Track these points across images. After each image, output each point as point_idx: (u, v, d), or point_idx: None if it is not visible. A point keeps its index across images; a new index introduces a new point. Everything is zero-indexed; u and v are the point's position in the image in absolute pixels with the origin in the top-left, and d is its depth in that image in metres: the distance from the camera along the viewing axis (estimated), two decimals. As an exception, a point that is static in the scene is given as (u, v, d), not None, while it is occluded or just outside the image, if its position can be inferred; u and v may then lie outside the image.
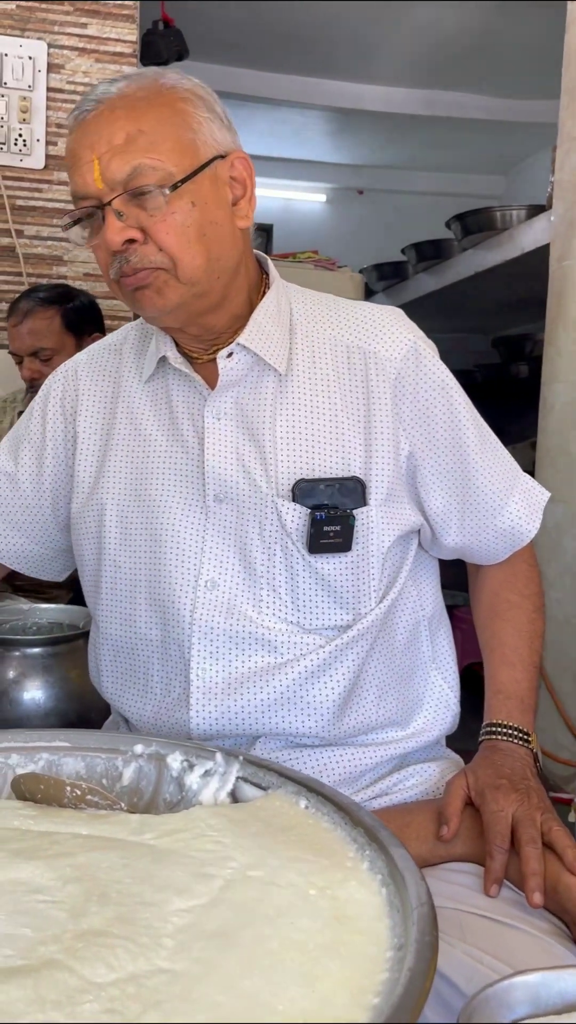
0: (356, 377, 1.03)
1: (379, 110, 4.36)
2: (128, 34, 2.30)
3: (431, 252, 4.27)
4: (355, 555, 1.00)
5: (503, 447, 1.12)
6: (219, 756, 0.79)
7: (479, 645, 1.13)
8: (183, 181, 0.93)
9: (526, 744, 1.02)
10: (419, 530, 1.09)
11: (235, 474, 1.01)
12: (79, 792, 0.76)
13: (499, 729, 1.03)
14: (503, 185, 5.71)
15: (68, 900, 0.58)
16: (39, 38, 2.25)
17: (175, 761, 0.80)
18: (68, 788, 0.76)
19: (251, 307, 1.03)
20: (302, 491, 0.99)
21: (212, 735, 1.00)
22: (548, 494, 1.13)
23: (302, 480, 0.99)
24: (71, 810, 0.75)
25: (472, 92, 4.54)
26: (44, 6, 2.25)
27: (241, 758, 0.78)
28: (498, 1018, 0.49)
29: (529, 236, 3.26)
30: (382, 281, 4.92)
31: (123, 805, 0.77)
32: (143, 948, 0.53)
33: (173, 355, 1.04)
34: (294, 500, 0.99)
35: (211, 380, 1.03)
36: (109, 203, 0.92)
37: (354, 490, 1.00)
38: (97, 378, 1.12)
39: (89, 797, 0.76)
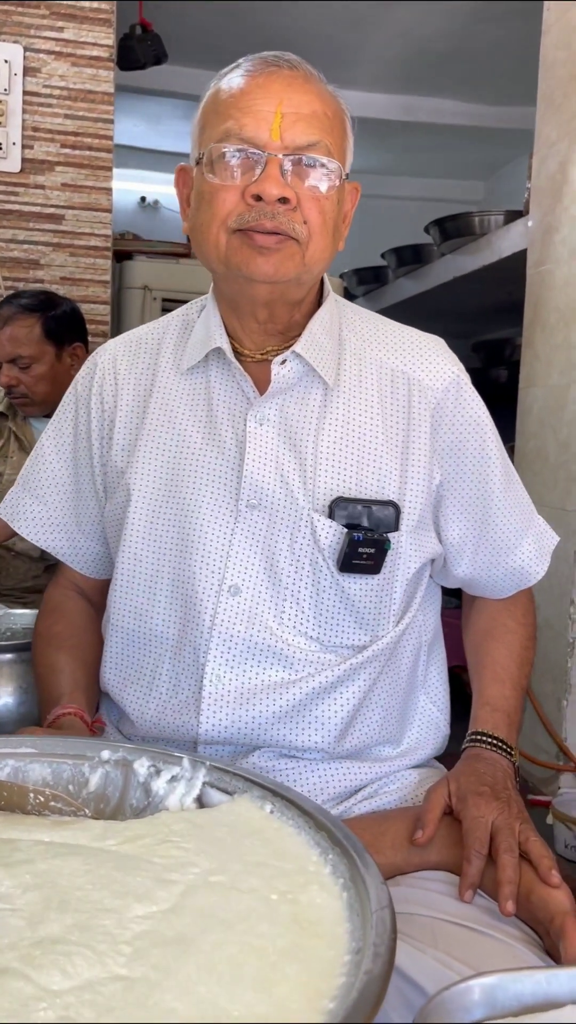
0: (399, 401, 1.03)
1: (358, 115, 4.36)
2: (104, 38, 2.30)
3: (411, 257, 4.28)
4: (382, 578, 1.00)
5: (523, 488, 1.13)
6: (185, 761, 0.78)
7: (468, 666, 1.13)
8: (345, 177, 0.98)
9: (509, 757, 1.01)
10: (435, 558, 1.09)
11: (273, 483, 1.00)
12: (42, 799, 0.76)
13: (484, 738, 1.02)
14: (482, 190, 5.75)
15: (27, 908, 0.58)
16: (15, 41, 2.25)
17: (142, 767, 0.79)
18: (31, 795, 0.76)
19: (307, 318, 1.03)
20: (339, 509, 0.98)
21: (218, 742, 0.99)
22: (558, 538, 1.15)
23: (341, 498, 0.99)
24: (35, 817, 0.74)
25: (451, 98, 4.57)
26: (20, 9, 2.24)
27: (208, 763, 0.78)
28: (454, 1020, 0.49)
29: (507, 241, 3.28)
30: (362, 286, 4.94)
31: (87, 811, 0.76)
32: (100, 955, 0.53)
33: (228, 349, 1.02)
34: (330, 517, 0.99)
35: (256, 382, 1.02)
36: (277, 156, 0.92)
37: (389, 514, 1.00)
38: (134, 366, 1.10)
39: (53, 803, 0.76)
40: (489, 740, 1.02)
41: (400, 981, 0.83)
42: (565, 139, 2.75)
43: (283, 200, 0.92)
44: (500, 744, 1.02)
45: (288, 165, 0.93)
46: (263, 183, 0.92)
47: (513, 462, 3.03)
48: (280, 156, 0.93)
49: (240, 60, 0.98)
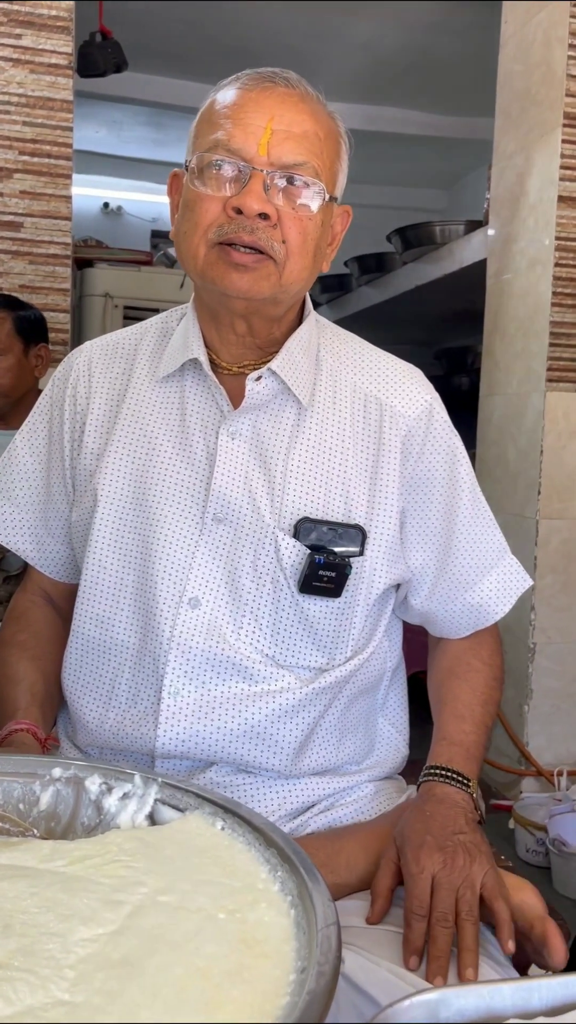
0: (370, 426, 1.03)
1: (321, 124, 4.40)
2: (63, 45, 2.28)
3: (374, 265, 4.31)
4: (342, 602, 1.00)
5: (496, 527, 1.12)
6: (137, 778, 0.78)
7: (431, 704, 1.11)
8: (332, 199, 0.98)
9: (466, 789, 0.96)
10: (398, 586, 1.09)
11: (240, 498, 0.99)
12: (-10, 819, 0.75)
13: (438, 771, 0.98)
14: (446, 200, 5.80)
15: (-30, 933, 0.57)
16: (-27, 48, 2.23)
17: (93, 784, 0.79)
18: (-21, 816, 0.75)
19: (287, 335, 1.03)
20: (304, 529, 0.98)
21: (175, 755, 0.98)
22: (530, 582, 1.13)
23: (306, 519, 0.98)
24: (-18, 838, 0.73)
25: (413, 109, 4.61)
26: (-22, 16, 2.23)
27: (160, 780, 0.78)
28: (397, 1038, 0.49)
29: (468, 251, 3.31)
30: (326, 293, 4.95)
31: (36, 832, 0.76)
32: (43, 980, 0.52)
33: (205, 360, 1.01)
34: (295, 536, 0.98)
35: (231, 396, 1.02)
36: (262, 172, 0.92)
37: (354, 538, 0.99)
38: (109, 370, 1.09)
39: (0, 825, 0.75)
40: (442, 773, 0.98)
41: (354, 994, 0.83)
42: (522, 152, 2.79)
43: (263, 216, 0.92)
44: (455, 776, 0.97)
45: (273, 182, 0.93)
46: (245, 197, 0.92)
47: (474, 470, 3.04)
48: (265, 172, 0.93)
49: (240, 73, 0.98)
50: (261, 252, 0.93)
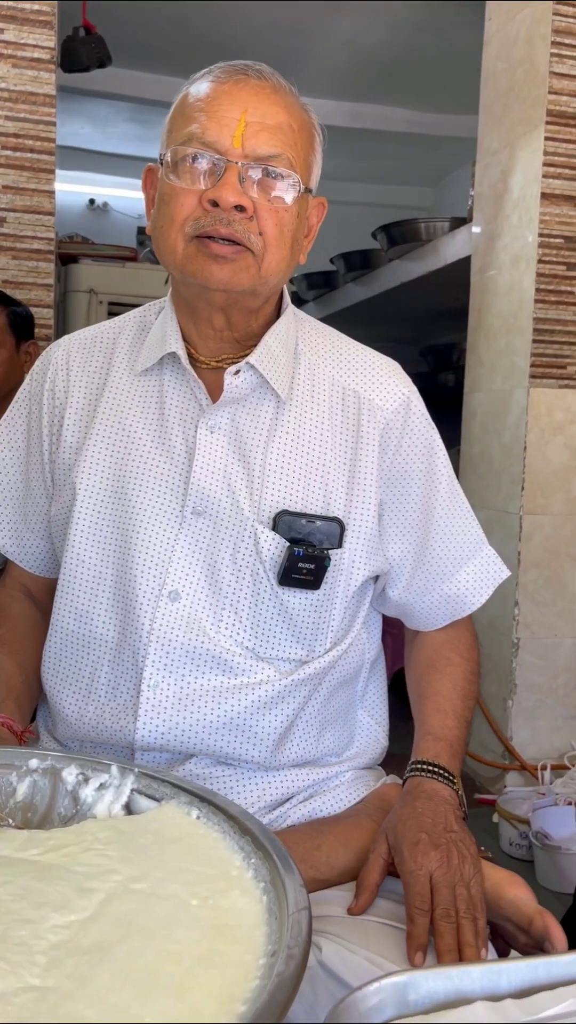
0: (348, 419, 1.04)
1: (307, 121, 4.40)
2: (46, 40, 2.28)
3: (360, 262, 4.31)
4: (321, 594, 1.00)
5: (474, 519, 1.13)
6: (114, 769, 0.78)
7: (410, 698, 1.12)
8: (307, 191, 0.99)
9: (451, 785, 0.98)
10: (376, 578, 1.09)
11: (219, 492, 1.00)
12: (-34, 810, 0.75)
13: (426, 767, 0.99)
14: (432, 197, 5.82)
15: (-57, 920, 0.57)
16: (-45, 42, 2.22)
17: (70, 775, 0.79)
18: (-46, 806, 0.75)
19: (265, 328, 1.03)
20: (284, 522, 0.98)
21: (155, 747, 0.98)
22: (508, 573, 1.15)
23: (285, 511, 0.99)
24: (-43, 828, 0.73)
25: (398, 106, 4.62)
26: (-40, 10, 2.22)
27: (136, 770, 0.78)
28: (364, 1021, 0.50)
29: (452, 248, 3.32)
30: (312, 290, 4.95)
31: (11, 821, 0.76)
32: (14, 966, 0.53)
33: (184, 354, 1.02)
34: (274, 529, 0.98)
35: (210, 390, 1.02)
36: (236, 164, 0.92)
37: (333, 531, 1.00)
38: (87, 364, 1.09)
39: (-24, 814, 0.75)
40: (430, 768, 0.99)
41: (330, 981, 0.83)
42: (505, 149, 2.80)
43: (240, 208, 0.93)
44: (441, 772, 0.98)
45: (248, 174, 0.93)
46: (220, 189, 0.92)
47: (458, 466, 3.07)
48: (240, 164, 0.93)
49: (213, 66, 0.99)
50: (239, 244, 0.93)
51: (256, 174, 0.94)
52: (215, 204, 0.92)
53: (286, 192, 0.95)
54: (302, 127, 0.98)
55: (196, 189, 0.94)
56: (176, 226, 0.95)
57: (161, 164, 0.98)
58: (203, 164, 0.94)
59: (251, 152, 0.93)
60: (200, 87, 0.97)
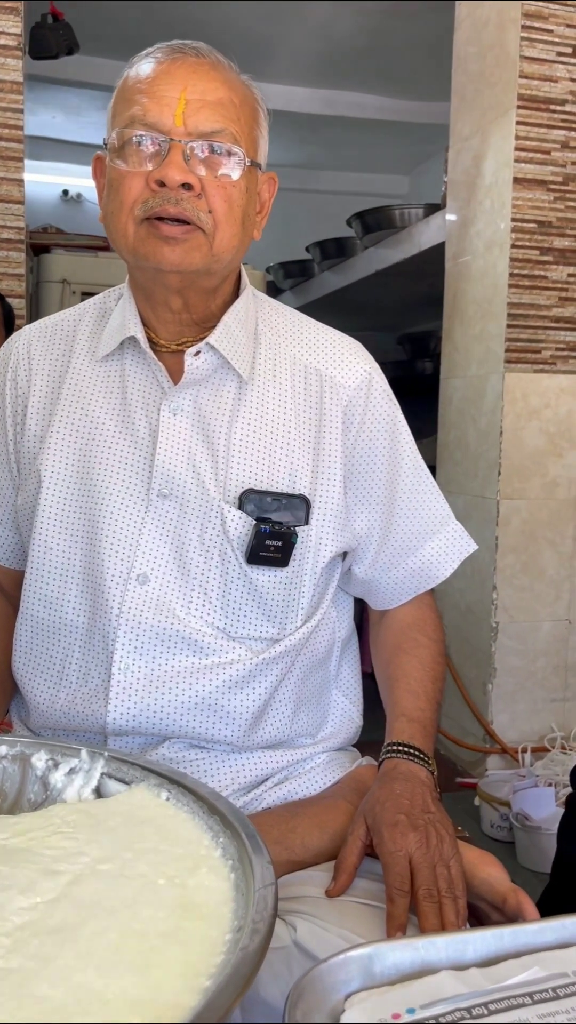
0: (311, 397, 1.04)
1: (279, 108, 4.38)
2: (12, 27, 2.25)
3: (335, 250, 4.30)
4: (290, 571, 1.00)
5: (439, 494, 1.13)
6: (84, 753, 0.78)
7: (379, 681, 1.11)
8: (253, 165, 0.97)
9: (427, 767, 0.97)
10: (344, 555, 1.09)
11: (184, 473, 0.99)
12: None
13: (401, 748, 0.98)
14: (407, 184, 5.81)
15: None
16: None
17: (39, 760, 0.79)
18: None
19: (224, 309, 1.03)
20: (249, 501, 0.98)
21: (127, 731, 0.98)
22: (475, 547, 1.15)
23: (251, 490, 0.99)
24: None
25: (371, 93, 4.60)
26: None
27: (106, 754, 0.78)
28: (331, 993, 0.50)
29: (426, 234, 3.32)
30: (289, 279, 4.94)
31: (-21, 807, 0.75)
32: (-22, 948, 0.52)
33: (143, 338, 1.01)
34: (240, 508, 0.98)
35: (171, 373, 1.02)
36: (180, 142, 0.92)
37: (299, 508, 1.00)
38: (48, 352, 1.09)
39: (-57, 801, 0.74)
40: (405, 750, 0.98)
41: (305, 960, 0.83)
42: (478, 134, 2.80)
43: (187, 186, 0.92)
44: (417, 753, 0.98)
45: (192, 151, 0.93)
46: (166, 168, 0.92)
47: (436, 452, 3.07)
48: (183, 142, 0.92)
49: (151, 47, 0.98)
50: (189, 223, 0.93)
51: (201, 151, 0.93)
52: (162, 184, 0.92)
53: (232, 168, 0.95)
54: (244, 102, 0.98)
55: (142, 171, 0.93)
56: (126, 210, 0.94)
57: (107, 149, 0.97)
58: (147, 145, 0.93)
59: (194, 129, 0.93)
60: (139, 69, 0.96)
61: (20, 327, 2.31)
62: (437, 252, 3.15)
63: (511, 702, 2.75)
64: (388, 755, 0.99)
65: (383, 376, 1.10)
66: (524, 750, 2.63)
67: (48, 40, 2.93)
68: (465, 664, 2.84)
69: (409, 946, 0.54)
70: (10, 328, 2.12)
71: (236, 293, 1.05)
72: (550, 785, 2.38)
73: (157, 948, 0.53)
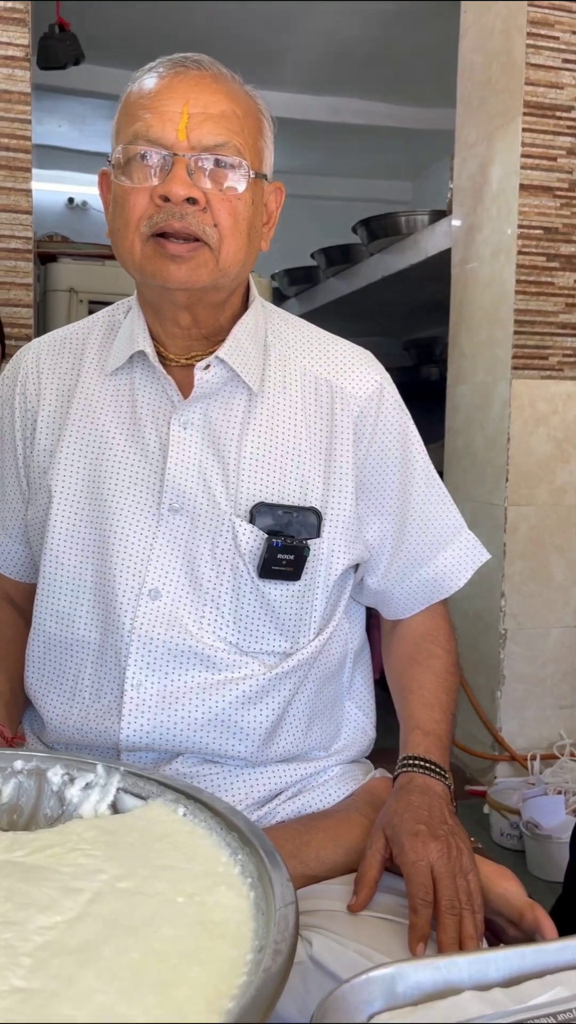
0: (322, 409, 1.03)
1: (284, 116, 4.37)
2: (20, 38, 2.26)
3: (340, 257, 4.30)
4: (303, 585, 1.00)
5: (452, 504, 1.13)
6: (99, 768, 0.78)
7: (392, 692, 1.11)
8: (258, 176, 0.97)
9: (443, 780, 0.97)
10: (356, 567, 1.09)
11: (195, 487, 0.99)
12: (-50, 813, 0.74)
13: (417, 762, 0.98)
14: (411, 191, 5.82)
15: None
16: None
17: (55, 775, 0.78)
18: None
19: (233, 322, 1.03)
20: (260, 514, 0.98)
21: (141, 747, 0.98)
22: (488, 556, 1.14)
23: (262, 503, 0.98)
24: None
25: (376, 100, 4.61)
26: None
27: (122, 769, 0.77)
28: (354, 1014, 0.49)
29: (432, 241, 3.32)
30: (294, 286, 4.94)
31: (-4, 823, 0.75)
32: (0, 968, 0.52)
33: (152, 352, 1.01)
34: (251, 522, 0.98)
35: (181, 387, 1.01)
36: (184, 157, 0.92)
37: (311, 521, 1.00)
38: (57, 366, 1.09)
39: (-40, 817, 0.74)
40: (422, 764, 0.98)
41: (321, 976, 0.83)
42: (483, 141, 2.81)
43: (191, 201, 0.92)
44: (433, 768, 0.98)
45: (197, 166, 0.93)
46: (170, 184, 0.92)
47: (443, 459, 3.07)
48: (187, 156, 0.92)
49: (153, 62, 0.98)
50: (195, 239, 0.93)
51: (206, 165, 0.93)
52: (166, 199, 0.92)
53: (238, 181, 0.94)
54: (247, 113, 0.97)
55: (147, 187, 0.93)
56: (132, 227, 0.94)
57: (111, 166, 0.97)
58: (151, 161, 0.93)
59: (197, 143, 0.93)
60: (142, 84, 0.96)
61: (28, 336, 2.31)
62: (443, 258, 3.15)
63: (520, 709, 2.74)
64: (404, 769, 0.99)
65: (394, 386, 1.09)
66: (533, 757, 2.62)
67: (56, 51, 2.95)
68: (473, 671, 2.84)
69: (431, 966, 0.53)
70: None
71: (245, 305, 1.05)
72: (560, 793, 2.37)
73: (178, 968, 0.52)
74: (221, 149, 0.93)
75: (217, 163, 0.94)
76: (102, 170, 1.02)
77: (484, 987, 0.54)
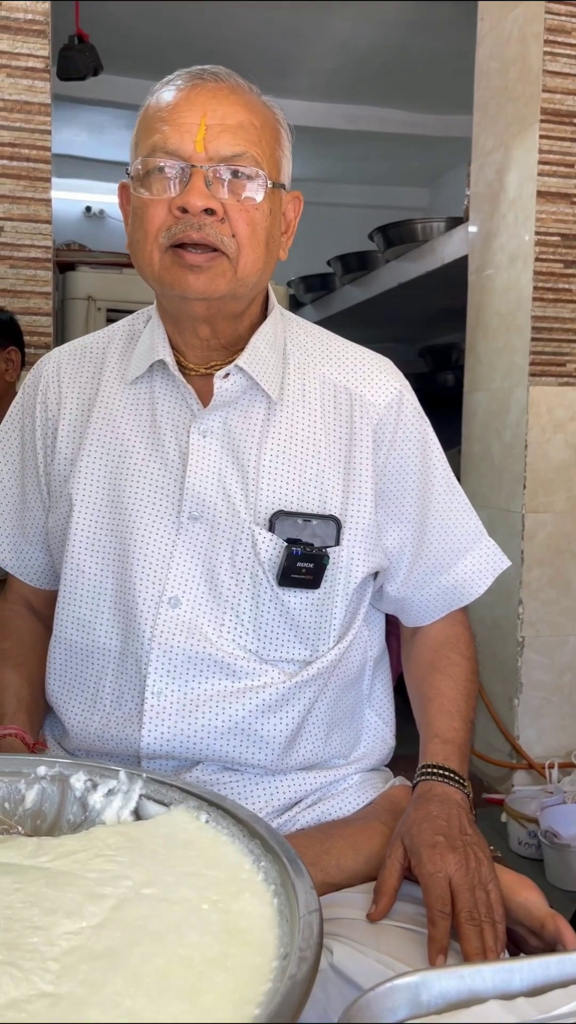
0: (341, 417, 1.04)
1: (300, 124, 4.38)
2: (40, 49, 2.28)
3: (356, 264, 4.32)
4: (322, 593, 1.00)
5: (472, 511, 1.13)
6: (122, 774, 0.78)
7: (412, 699, 1.11)
8: (276, 186, 0.98)
9: (462, 789, 0.97)
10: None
11: (215, 495, 1.00)
12: (-25, 818, 0.75)
13: (437, 771, 0.98)
14: (427, 197, 5.82)
15: (-46, 929, 0.57)
16: (-50, 52, 2.23)
17: (78, 781, 0.79)
18: (-36, 814, 0.75)
19: (252, 331, 1.03)
20: (280, 523, 0.98)
21: (161, 755, 0.98)
22: (508, 563, 1.14)
23: (281, 511, 0.99)
24: (-33, 837, 0.74)
25: (392, 107, 4.62)
26: (-47, 20, 2.23)
27: (144, 776, 0.78)
28: (378, 1021, 0.50)
29: (449, 247, 3.32)
30: (310, 293, 4.96)
31: (20, 829, 0.76)
32: (27, 973, 0.53)
33: (172, 362, 1.02)
34: (271, 530, 0.98)
35: (201, 396, 1.02)
36: (201, 168, 0.92)
37: (330, 529, 1.00)
38: (78, 375, 1.10)
39: (-15, 822, 0.75)
40: (441, 772, 0.98)
41: (341, 982, 0.83)
42: (500, 148, 2.81)
43: (209, 211, 0.93)
44: (453, 776, 0.98)
45: (214, 176, 0.94)
46: (188, 195, 0.92)
47: (460, 465, 3.07)
48: (205, 167, 0.93)
49: (171, 75, 0.99)
50: (213, 249, 0.93)
51: (224, 176, 0.94)
52: (184, 211, 0.93)
53: (255, 191, 0.95)
54: (265, 124, 0.98)
55: (165, 199, 0.94)
56: (151, 238, 0.95)
57: (130, 178, 0.98)
58: (169, 173, 0.94)
59: (214, 154, 0.93)
60: (160, 97, 0.97)
61: (47, 345, 2.33)
62: (459, 265, 3.15)
63: (537, 717, 2.72)
64: (423, 777, 0.99)
65: (413, 393, 1.09)
66: (551, 766, 2.61)
67: (76, 62, 2.98)
68: (491, 679, 2.83)
69: (455, 974, 0.54)
70: (4, 339, 2.10)
71: (264, 314, 1.06)
72: (578, 801, 2.36)
73: (204, 974, 0.53)
74: (239, 159, 0.94)
75: (235, 174, 0.94)
76: (122, 183, 1.04)
77: (508, 996, 0.54)
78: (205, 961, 0.54)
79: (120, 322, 1.14)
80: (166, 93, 0.97)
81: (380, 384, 1.06)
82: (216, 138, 0.93)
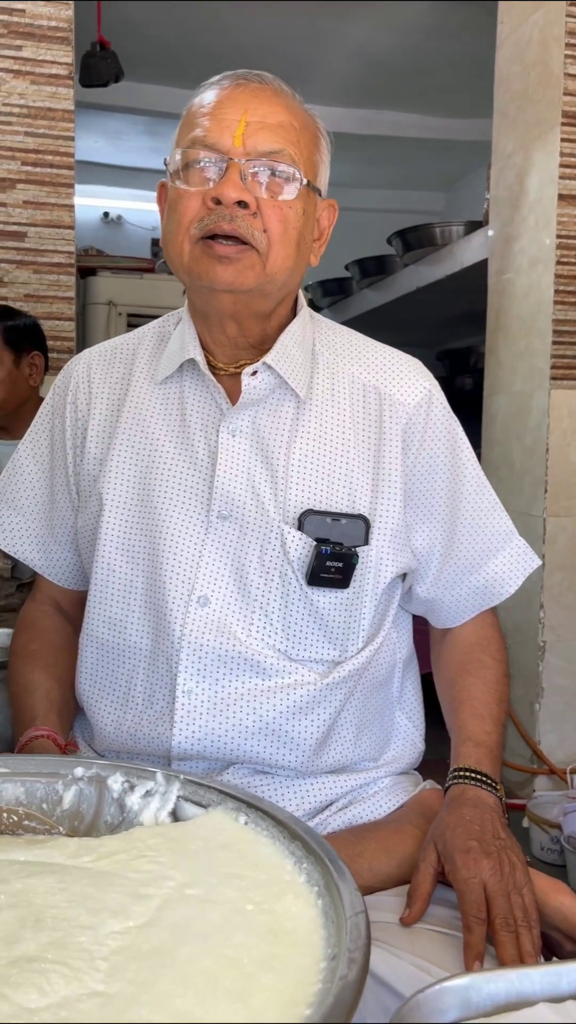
0: (370, 416, 1.04)
1: (319, 129, 4.42)
2: (63, 56, 2.30)
3: (374, 268, 4.32)
4: (351, 592, 1.00)
5: (502, 510, 1.12)
6: (159, 776, 0.79)
7: (442, 702, 1.11)
8: (312, 188, 0.99)
9: (495, 792, 0.96)
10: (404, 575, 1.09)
11: (244, 494, 1.00)
12: (16, 818, 0.75)
13: (469, 774, 0.98)
14: (444, 201, 5.82)
15: (2, 927, 0.57)
16: (-26, 60, 2.25)
17: (116, 783, 0.79)
18: (4, 814, 0.76)
19: (280, 332, 1.04)
20: (309, 522, 0.98)
21: (192, 755, 0.98)
22: (539, 562, 1.14)
23: (310, 511, 0.99)
24: (8, 836, 0.74)
25: (410, 111, 4.63)
26: (-22, 28, 2.25)
27: (182, 777, 0.78)
28: (429, 1021, 0.50)
29: (468, 251, 3.32)
30: (327, 297, 4.97)
31: (61, 829, 0.76)
32: (77, 972, 0.53)
33: (202, 360, 1.02)
34: (300, 529, 0.98)
35: (230, 395, 1.03)
36: (238, 162, 0.93)
37: (359, 528, 1.00)
38: (108, 375, 1.10)
39: (26, 823, 0.75)
40: (474, 776, 0.97)
41: (377, 986, 0.83)
42: (520, 151, 2.80)
43: (242, 204, 0.93)
44: (485, 779, 0.97)
45: (250, 171, 0.94)
46: (222, 186, 0.93)
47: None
48: (241, 161, 0.94)
49: (216, 76, 1.00)
50: (244, 243, 0.94)
51: (260, 172, 0.95)
52: (218, 202, 0.93)
53: (290, 189, 0.96)
54: (304, 126, 0.99)
55: (200, 190, 0.95)
56: (183, 229, 0.96)
57: (168, 173, 0.99)
58: (207, 166, 0.95)
59: (252, 149, 0.94)
60: (204, 96, 0.99)
61: (70, 349, 2.34)
62: (479, 269, 3.14)
63: (559, 722, 2.71)
64: (455, 781, 0.98)
65: (442, 393, 1.09)
66: (573, 771, 2.59)
67: (99, 69, 3.00)
68: (513, 683, 2.80)
69: (503, 978, 0.53)
70: (25, 345, 2.10)
71: (293, 316, 1.06)
72: (601, 807, 2.34)
73: (253, 975, 0.53)
74: (276, 156, 0.95)
75: (272, 172, 0.95)
76: (161, 181, 1.05)
77: (556, 999, 0.54)
78: (252, 961, 0.54)
79: (150, 324, 1.15)
80: (209, 92, 0.98)
81: (409, 384, 1.06)
82: (255, 134, 0.95)
